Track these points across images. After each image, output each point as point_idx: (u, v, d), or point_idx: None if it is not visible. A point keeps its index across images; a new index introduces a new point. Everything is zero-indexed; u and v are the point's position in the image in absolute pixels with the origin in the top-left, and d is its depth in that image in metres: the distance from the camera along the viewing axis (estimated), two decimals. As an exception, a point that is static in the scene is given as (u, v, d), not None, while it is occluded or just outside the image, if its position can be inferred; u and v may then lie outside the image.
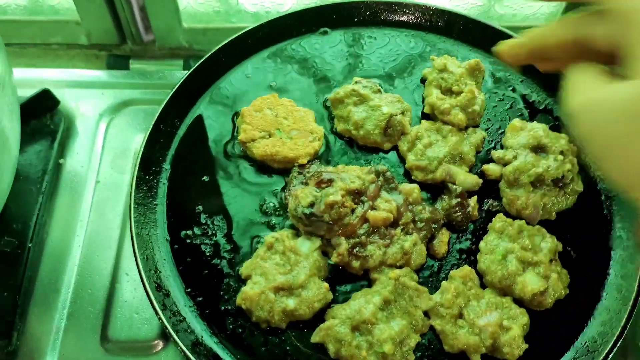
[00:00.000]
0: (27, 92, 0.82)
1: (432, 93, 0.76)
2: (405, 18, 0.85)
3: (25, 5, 0.98)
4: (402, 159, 0.74)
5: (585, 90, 0.41)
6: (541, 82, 0.80)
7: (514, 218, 0.68)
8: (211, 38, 1.01)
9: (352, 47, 0.84)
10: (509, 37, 0.81)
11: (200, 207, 0.70)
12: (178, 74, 0.92)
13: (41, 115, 0.82)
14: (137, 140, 0.85)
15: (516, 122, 0.74)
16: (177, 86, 0.76)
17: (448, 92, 0.77)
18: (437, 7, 0.84)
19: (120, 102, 0.88)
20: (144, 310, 0.72)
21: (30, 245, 0.74)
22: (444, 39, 0.84)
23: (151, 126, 0.73)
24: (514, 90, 0.80)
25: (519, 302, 0.63)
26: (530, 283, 0.62)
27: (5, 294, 0.70)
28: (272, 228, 0.69)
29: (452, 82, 0.76)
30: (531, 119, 0.77)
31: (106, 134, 0.85)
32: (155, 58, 1.04)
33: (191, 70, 0.78)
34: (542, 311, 0.63)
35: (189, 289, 0.65)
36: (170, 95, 0.75)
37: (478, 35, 0.83)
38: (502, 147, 0.74)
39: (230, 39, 0.80)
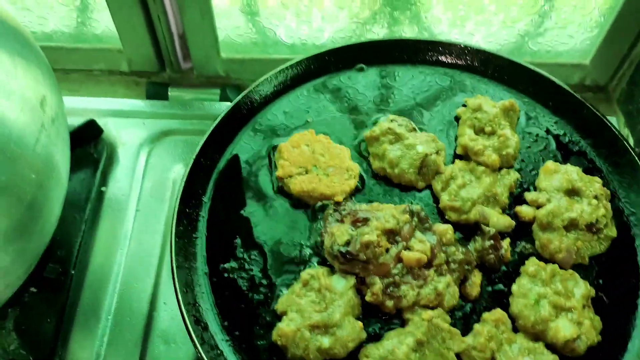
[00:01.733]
0: (72, 121, 0.85)
1: (466, 133, 0.78)
2: (438, 56, 0.87)
3: (71, 33, 1.02)
4: (436, 198, 0.75)
5: None
6: (575, 124, 0.80)
7: (547, 261, 0.69)
8: (248, 68, 1.03)
9: (385, 79, 0.86)
10: (543, 78, 0.82)
11: (238, 241, 0.72)
12: (216, 105, 0.95)
13: (85, 144, 0.85)
14: (176, 170, 0.87)
15: (550, 164, 0.75)
16: (217, 121, 0.78)
17: (481, 131, 0.78)
18: (471, 46, 0.85)
19: (160, 132, 0.91)
20: (181, 340, 0.74)
21: (73, 272, 0.77)
22: (478, 78, 0.85)
23: (192, 160, 0.75)
24: (547, 131, 0.80)
25: (550, 347, 0.64)
26: (563, 329, 0.63)
27: (48, 320, 0.73)
28: (307, 264, 0.71)
29: (486, 122, 0.77)
30: (564, 160, 0.78)
31: (146, 163, 0.88)
32: (192, 86, 1.07)
33: (231, 105, 0.80)
34: (574, 357, 0.64)
35: (226, 323, 0.67)
36: (210, 129, 0.78)
37: (512, 74, 0.84)
38: (535, 189, 0.75)
39: (270, 74, 0.83)
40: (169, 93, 1.03)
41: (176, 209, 0.72)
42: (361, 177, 0.77)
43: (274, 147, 0.79)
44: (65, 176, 0.65)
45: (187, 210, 0.73)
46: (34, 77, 0.59)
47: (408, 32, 0.98)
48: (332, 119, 0.82)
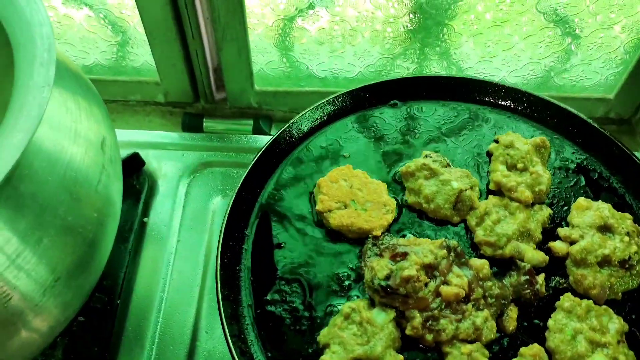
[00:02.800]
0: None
1: (498, 169, 0.80)
2: (469, 93, 0.90)
3: (110, 66, 1.06)
4: (470, 232, 0.78)
5: None
6: (604, 160, 0.83)
7: (581, 296, 0.71)
8: (280, 100, 1.07)
9: (411, 110, 0.89)
10: (572, 115, 0.85)
11: (279, 273, 0.75)
12: (251, 138, 0.97)
13: (129, 176, 0.88)
14: (215, 201, 0.90)
15: (582, 200, 0.78)
16: (258, 155, 0.81)
17: (513, 168, 0.80)
18: (503, 84, 0.88)
19: (198, 164, 0.94)
20: (224, 369, 0.76)
21: (118, 301, 0.79)
22: (508, 115, 0.88)
23: (234, 194, 0.78)
24: (577, 167, 0.83)
25: (586, 382, 0.66)
26: (599, 365, 0.65)
27: (95, 349, 0.75)
28: (347, 297, 0.73)
29: (518, 158, 0.80)
30: (595, 196, 0.80)
31: (186, 194, 0.91)
32: (225, 116, 1.10)
33: (271, 139, 0.83)
34: (610, 392, 0.66)
35: (270, 354, 0.69)
36: (252, 163, 0.80)
37: (541, 111, 0.87)
38: (567, 224, 0.78)
39: (308, 110, 0.86)
40: (204, 124, 1.07)
41: (220, 242, 0.74)
42: (398, 212, 0.79)
43: (313, 181, 0.81)
44: (119, 211, 0.68)
45: (231, 243, 0.76)
46: (95, 119, 0.62)
47: (437, 66, 1.01)
48: (364, 152, 0.85)
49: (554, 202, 0.80)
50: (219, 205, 0.90)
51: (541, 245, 0.76)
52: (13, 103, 0.50)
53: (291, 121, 0.85)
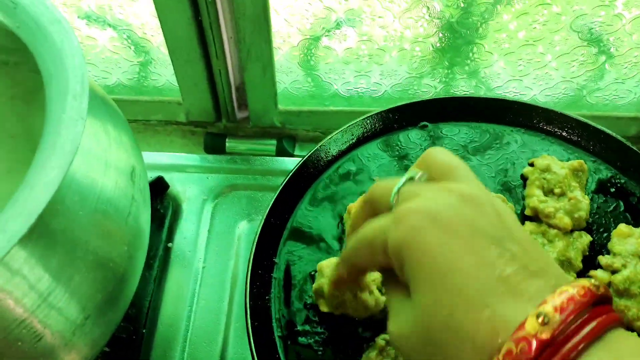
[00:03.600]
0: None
1: (535, 194, 0.77)
2: (501, 114, 0.87)
3: (132, 86, 1.04)
4: (506, 259, 0.75)
5: (395, 318, 0.44)
6: (644, 184, 0.80)
7: (626, 329, 0.68)
8: (304, 119, 1.05)
9: (438, 131, 0.86)
10: (609, 137, 0.82)
11: (309, 303, 0.72)
12: (277, 160, 0.96)
13: (153, 200, 0.86)
14: (241, 226, 0.88)
15: (623, 227, 0.75)
16: (286, 179, 0.79)
17: (550, 192, 0.78)
18: (537, 105, 0.85)
19: (223, 187, 0.92)
20: (253, 403, 0.73)
21: (144, 330, 0.77)
22: (542, 136, 0.85)
23: (262, 220, 0.76)
24: (617, 191, 0.80)
25: (634, 419, 0.63)
26: (648, 402, 0.62)
27: (121, 380, 0.74)
28: (380, 329, 0.70)
29: (555, 183, 0.77)
30: (635, 222, 0.77)
31: (211, 219, 0.89)
32: (248, 137, 1.08)
33: (299, 163, 0.81)
34: None
35: (302, 389, 0.67)
36: (280, 188, 0.78)
37: (577, 133, 0.84)
38: (608, 252, 0.75)
39: (336, 132, 0.83)
40: (227, 144, 1.05)
41: (249, 272, 0.72)
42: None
43: (341, 205, 0.79)
44: (147, 241, 0.66)
45: (260, 271, 0.74)
46: (124, 148, 0.60)
47: (465, 85, 0.99)
48: (394, 174, 0.83)
49: (593, 228, 0.77)
50: (244, 230, 0.88)
51: (582, 275, 0.73)
52: (45, 137, 0.48)
53: (319, 144, 0.83)
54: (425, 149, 0.84)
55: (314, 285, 0.71)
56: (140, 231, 0.62)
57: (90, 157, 0.55)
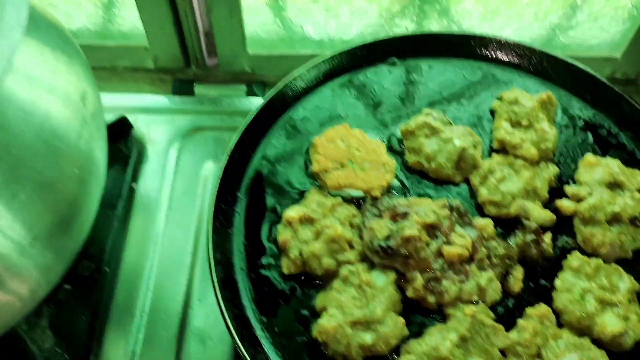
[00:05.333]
0: (102, 118, 0.85)
1: (502, 126, 0.76)
2: (471, 50, 0.85)
3: (97, 30, 1.01)
4: (472, 192, 0.74)
5: None
6: (613, 116, 0.79)
7: (589, 255, 0.68)
8: (274, 64, 1.03)
9: (411, 74, 0.84)
10: (579, 70, 0.81)
11: (273, 236, 0.71)
12: (245, 101, 0.94)
13: (116, 141, 0.85)
14: (207, 167, 0.87)
15: (590, 157, 0.74)
16: (250, 117, 0.77)
17: (518, 125, 0.77)
18: (507, 39, 0.84)
19: (189, 129, 0.90)
20: (217, 337, 0.73)
21: (107, 269, 0.76)
22: (512, 71, 0.84)
23: (226, 156, 0.74)
24: (585, 124, 0.79)
25: (596, 342, 0.63)
26: (609, 324, 0.62)
27: (83, 317, 0.72)
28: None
29: (523, 115, 0.76)
30: (603, 153, 0.77)
31: (177, 160, 0.87)
32: (218, 82, 1.06)
33: (264, 101, 0.79)
34: (621, 353, 0.63)
35: (265, 319, 0.66)
36: (244, 126, 0.77)
37: (548, 67, 0.83)
38: (574, 182, 0.74)
39: (302, 69, 0.82)
40: (195, 90, 1.03)
41: (212, 205, 0.71)
42: (397, 172, 0.76)
43: (309, 141, 0.78)
44: (104, 172, 0.64)
45: (223, 206, 0.72)
46: (75, 73, 0.59)
47: (437, 25, 0.97)
48: (363, 113, 0.81)
49: (561, 159, 0.77)
50: (211, 171, 0.86)
51: (548, 204, 0.72)
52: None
53: (284, 81, 0.81)
54: (398, 96, 0.83)
55: (279, 238, 0.70)
56: (93, 157, 0.60)
57: (36, 76, 0.53)
